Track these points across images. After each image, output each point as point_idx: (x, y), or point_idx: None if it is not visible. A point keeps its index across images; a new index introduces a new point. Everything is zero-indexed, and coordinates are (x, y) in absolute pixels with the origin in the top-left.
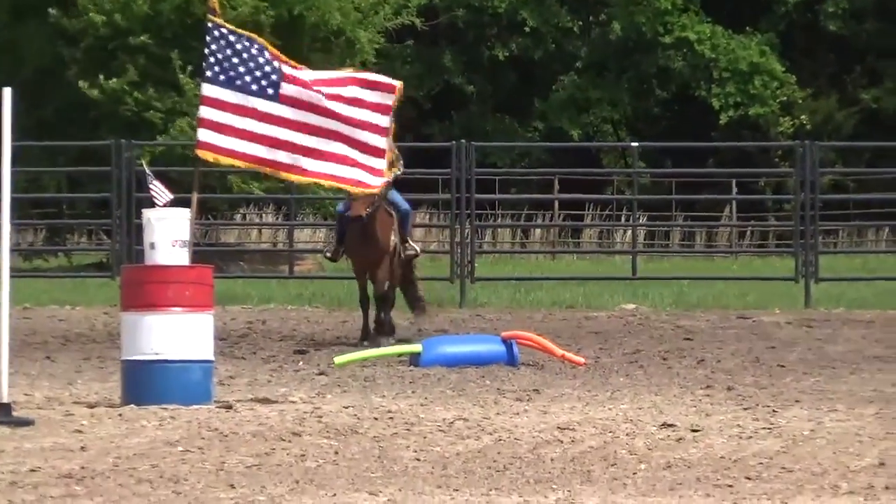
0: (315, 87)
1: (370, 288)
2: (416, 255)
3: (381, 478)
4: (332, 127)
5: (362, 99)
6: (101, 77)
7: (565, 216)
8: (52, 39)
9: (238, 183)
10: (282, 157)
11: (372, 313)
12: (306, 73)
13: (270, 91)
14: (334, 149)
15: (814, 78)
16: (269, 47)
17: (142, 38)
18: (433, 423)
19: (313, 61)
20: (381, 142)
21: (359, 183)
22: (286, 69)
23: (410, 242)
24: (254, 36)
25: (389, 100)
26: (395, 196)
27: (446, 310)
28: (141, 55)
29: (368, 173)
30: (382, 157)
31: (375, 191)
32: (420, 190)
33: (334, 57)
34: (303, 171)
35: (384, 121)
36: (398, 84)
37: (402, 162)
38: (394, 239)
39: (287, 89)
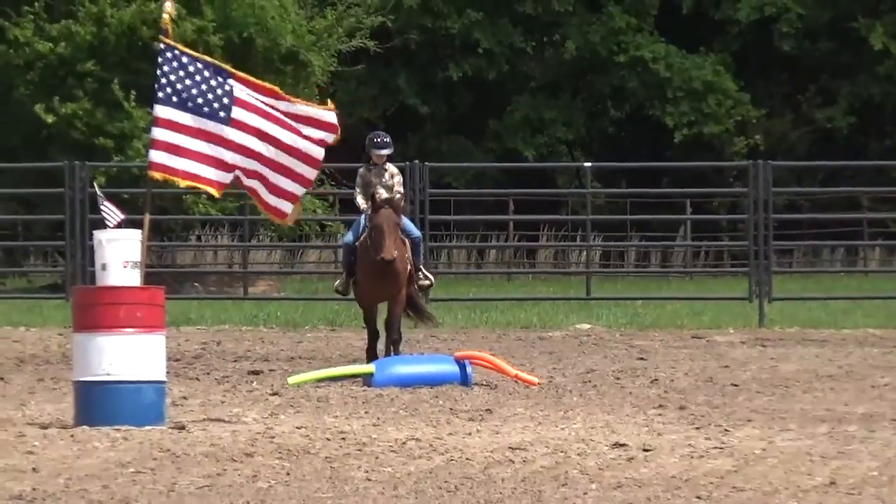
0: (268, 108)
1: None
2: (431, 286)
3: (332, 498)
4: (275, 156)
5: (306, 115)
6: (56, 100)
7: (520, 237)
8: (1, 67)
9: (196, 204)
10: (232, 179)
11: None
12: (261, 95)
13: (222, 114)
14: (276, 180)
15: (768, 97)
16: (226, 67)
17: (87, 64)
18: (385, 444)
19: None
20: (310, 172)
21: (277, 212)
22: (238, 93)
23: (424, 271)
24: (206, 57)
25: (330, 138)
26: (408, 223)
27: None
28: (88, 80)
29: (287, 200)
30: (308, 186)
31: (288, 221)
32: None
33: (287, 79)
34: (254, 195)
35: (319, 152)
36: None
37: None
38: (409, 268)
39: (238, 114)
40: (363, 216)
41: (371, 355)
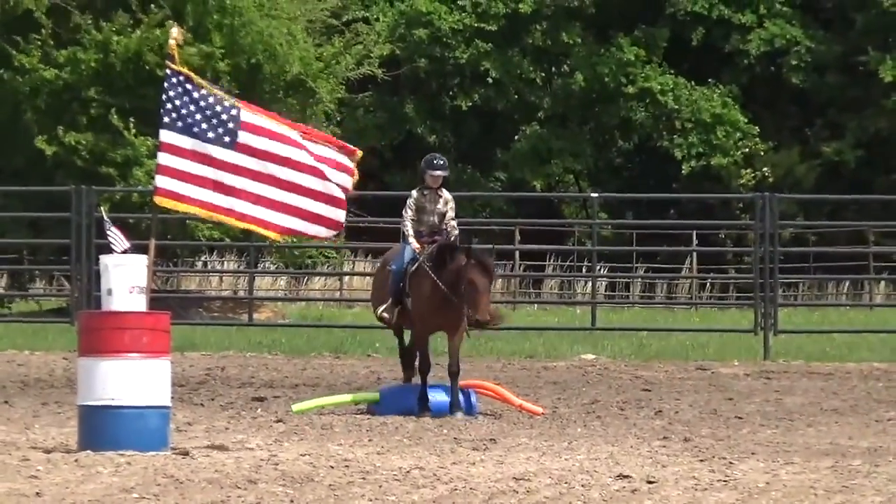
0: (275, 137)
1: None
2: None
3: None
4: (289, 178)
5: (324, 156)
6: (60, 130)
7: (526, 267)
8: (9, 93)
9: (198, 229)
10: (238, 205)
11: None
12: (267, 122)
13: (227, 139)
14: (291, 200)
15: (776, 130)
16: (227, 97)
17: (92, 91)
18: (389, 472)
19: (272, 111)
20: (340, 193)
21: (313, 237)
22: (244, 117)
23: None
24: (210, 86)
25: (350, 163)
26: None
27: None
28: (93, 105)
29: (324, 226)
30: (343, 208)
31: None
32: (380, 239)
33: (295, 106)
34: (258, 221)
35: (346, 180)
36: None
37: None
38: None
39: (244, 138)
40: (407, 245)
41: (410, 376)
